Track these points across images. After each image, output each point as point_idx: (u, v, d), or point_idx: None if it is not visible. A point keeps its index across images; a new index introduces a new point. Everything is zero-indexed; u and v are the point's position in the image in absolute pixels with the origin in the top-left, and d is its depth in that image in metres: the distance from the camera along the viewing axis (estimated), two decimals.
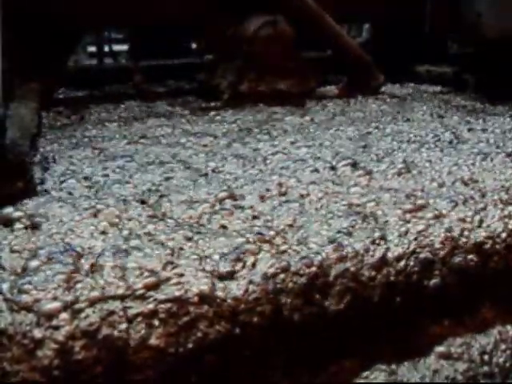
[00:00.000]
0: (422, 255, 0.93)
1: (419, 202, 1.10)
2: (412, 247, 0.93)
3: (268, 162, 1.45)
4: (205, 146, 1.63)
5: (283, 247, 0.90)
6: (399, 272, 0.90)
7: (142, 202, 1.12)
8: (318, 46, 2.92)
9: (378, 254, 0.91)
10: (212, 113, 2.15)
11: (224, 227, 0.99)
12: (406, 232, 0.97)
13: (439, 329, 0.93)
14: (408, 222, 1.01)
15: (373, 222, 1.00)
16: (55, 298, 0.75)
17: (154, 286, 0.79)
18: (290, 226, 0.98)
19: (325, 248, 0.90)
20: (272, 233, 0.95)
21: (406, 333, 0.91)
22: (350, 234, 0.94)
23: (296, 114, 2.13)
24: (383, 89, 2.59)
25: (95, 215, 1.04)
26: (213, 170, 1.37)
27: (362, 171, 1.34)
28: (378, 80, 2.58)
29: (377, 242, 0.93)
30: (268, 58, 2.35)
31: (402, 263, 0.91)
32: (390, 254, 0.91)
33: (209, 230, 0.97)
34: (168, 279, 0.81)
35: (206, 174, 1.33)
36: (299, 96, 2.36)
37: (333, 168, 1.38)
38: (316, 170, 1.36)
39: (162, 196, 1.15)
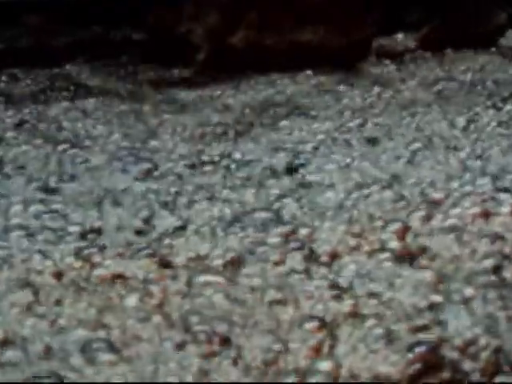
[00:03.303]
0: None
1: None
2: None
3: (301, 186, 1.36)
4: (160, 156, 1.54)
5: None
6: None
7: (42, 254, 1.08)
8: None
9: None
10: (177, 90, 2.07)
11: (208, 284, 1.00)
12: None
13: None
14: None
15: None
16: None
17: None
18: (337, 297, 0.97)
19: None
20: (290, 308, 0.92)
21: None
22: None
23: (337, 87, 2.04)
24: (503, 40, 2.44)
25: None
26: (172, 202, 1.33)
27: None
28: (495, 20, 2.43)
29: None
30: None
31: None
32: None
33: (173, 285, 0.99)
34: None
35: (165, 204, 1.29)
36: (341, 53, 2.20)
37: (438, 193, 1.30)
38: (398, 198, 1.28)
39: (96, 239, 1.14)
